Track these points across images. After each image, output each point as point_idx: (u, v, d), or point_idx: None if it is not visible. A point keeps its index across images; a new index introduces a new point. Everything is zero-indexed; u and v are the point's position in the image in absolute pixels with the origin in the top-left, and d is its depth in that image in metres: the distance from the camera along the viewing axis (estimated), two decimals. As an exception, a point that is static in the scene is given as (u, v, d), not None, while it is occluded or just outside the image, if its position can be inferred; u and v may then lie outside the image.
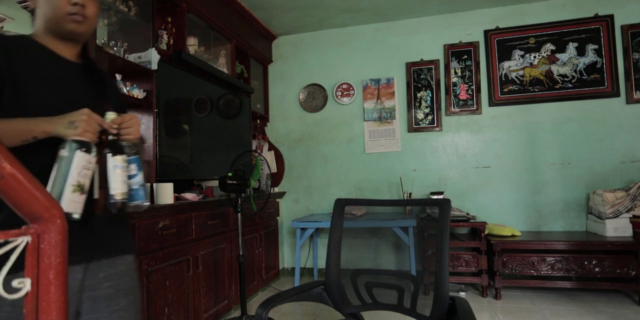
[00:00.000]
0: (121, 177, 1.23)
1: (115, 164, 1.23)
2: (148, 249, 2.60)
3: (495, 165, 4.53)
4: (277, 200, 4.99)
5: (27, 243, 0.49)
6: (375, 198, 4.76)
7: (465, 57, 4.67)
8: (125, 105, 1.63)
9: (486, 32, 4.61)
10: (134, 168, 1.30)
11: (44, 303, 0.48)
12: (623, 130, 4.21)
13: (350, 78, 5.03)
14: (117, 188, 1.23)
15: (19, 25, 4.30)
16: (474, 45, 4.64)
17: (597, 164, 4.25)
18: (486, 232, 4.00)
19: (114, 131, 1.25)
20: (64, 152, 1.11)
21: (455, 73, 4.68)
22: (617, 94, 4.22)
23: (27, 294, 0.48)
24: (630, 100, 4.19)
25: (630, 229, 3.73)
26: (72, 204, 1.10)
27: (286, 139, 5.24)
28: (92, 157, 1.15)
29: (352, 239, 4.84)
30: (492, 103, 4.56)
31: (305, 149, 5.16)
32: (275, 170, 5.09)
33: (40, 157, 1.20)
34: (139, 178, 1.31)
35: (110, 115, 1.25)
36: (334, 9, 4.55)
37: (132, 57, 3.10)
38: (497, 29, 4.57)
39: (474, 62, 4.63)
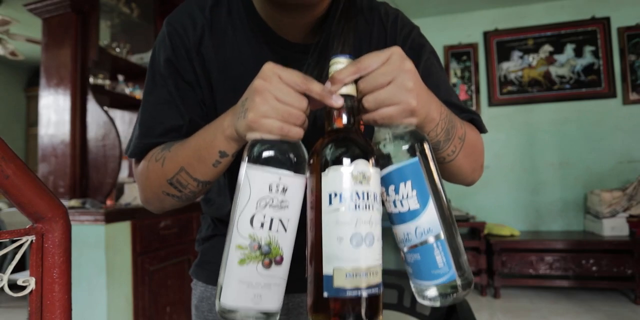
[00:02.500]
0: (366, 224, 0.50)
1: (341, 187, 0.50)
2: (149, 249, 2.62)
3: (494, 166, 4.54)
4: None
5: (32, 242, 0.49)
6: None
7: (465, 58, 4.68)
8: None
9: (485, 34, 4.63)
10: (408, 194, 0.54)
11: (48, 302, 0.48)
12: (620, 131, 4.22)
13: (351, 79, 5.02)
14: (346, 257, 0.49)
15: (25, 27, 4.34)
16: (473, 46, 4.66)
17: (594, 165, 4.27)
18: (485, 232, 4.02)
19: (338, 104, 0.55)
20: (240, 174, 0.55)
21: (455, 74, 4.70)
22: (614, 95, 4.24)
23: (31, 292, 0.48)
24: (626, 101, 4.21)
25: (627, 228, 3.75)
26: (242, 288, 0.51)
27: (287, 139, 5.22)
28: (288, 178, 0.53)
29: (352, 239, 4.84)
30: (491, 104, 4.58)
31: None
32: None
33: None
34: (429, 217, 0.54)
35: (337, 64, 0.56)
36: (334, 10, 4.56)
37: (134, 58, 3.13)
38: (496, 30, 4.59)
39: (474, 63, 4.65)
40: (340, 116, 0.55)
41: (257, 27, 0.81)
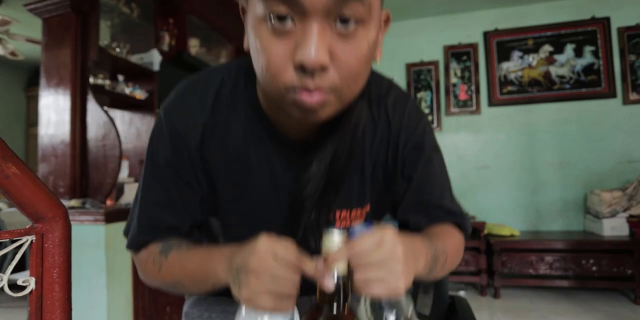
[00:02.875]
0: None
1: None
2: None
3: (494, 166, 4.55)
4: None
5: (32, 242, 0.48)
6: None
7: (465, 58, 4.68)
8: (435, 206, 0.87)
9: (485, 34, 4.63)
10: None
11: (48, 301, 0.48)
12: (620, 131, 4.23)
13: (351, 79, 5.02)
14: None
15: (25, 27, 4.34)
16: (473, 46, 4.66)
17: (594, 165, 4.28)
18: (485, 232, 4.02)
19: (329, 288, 0.58)
20: None
21: (455, 74, 4.70)
22: (614, 95, 4.25)
23: (31, 292, 0.48)
24: (626, 101, 4.21)
25: (627, 228, 3.75)
26: None
27: (287, 139, 5.22)
28: None
29: (352, 239, 4.83)
30: (491, 103, 4.58)
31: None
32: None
33: None
34: None
35: (331, 237, 0.59)
36: (334, 10, 4.55)
37: (134, 58, 3.13)
38: (496, 30, 4.59)
39: (474, 63, 4.65)
40: (330, 295, 0.59)
41: (260, 124, 0.79)
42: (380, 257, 0.57)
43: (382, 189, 0.87)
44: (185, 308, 1.00)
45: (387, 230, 0.60)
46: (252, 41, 0.64)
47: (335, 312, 0.59)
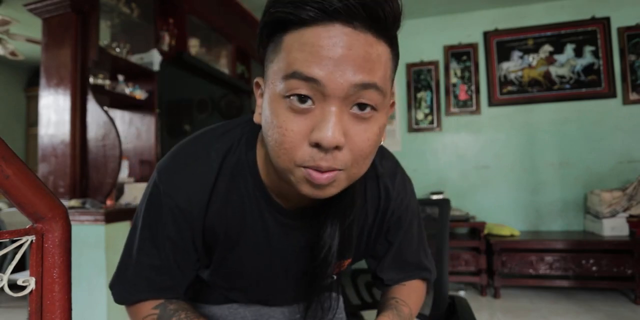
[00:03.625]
0: None
1: None
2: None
3: (494, 166, 4.55)
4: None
5: (32, 242, 0.48)
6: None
7: (465, 58, 4.68)
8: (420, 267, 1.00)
9: (485, 34, 4.63)
10: None
11: (48, 301, 0.48)
12: (620, 131, 4.23)
13: (351, 79, 5.01)
14: None
15: (25, 27, 4.35)
16: (473, 46, 4.66)
17: (594, 165, 4.28)
18: (485, 232, 4.02)
19: None
20: None
21: (455, 74, 4.70)
22: (614, 95, 4.25)
23: (31, 292, 0.47)
24: (626, 101, 4.21)
25: (627, 228, 3.75)
26: None
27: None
28: None
29: (352, 239, 4.83)
30: (491, 104, 4.58)
31: (305, 149, 5.13)
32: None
33: None
34: None
35: None
36: (334, 10, 4.55)
37: (134, 58, 3.13)
38: (496, 30, 4.59)
39: (474, 63, 4.65)
40: None
41: (259, 193, 0.82)
42: None
43: (363, 246, 0.94)
44: None
45: None
46: (266, 115, 0.65)
47: None
